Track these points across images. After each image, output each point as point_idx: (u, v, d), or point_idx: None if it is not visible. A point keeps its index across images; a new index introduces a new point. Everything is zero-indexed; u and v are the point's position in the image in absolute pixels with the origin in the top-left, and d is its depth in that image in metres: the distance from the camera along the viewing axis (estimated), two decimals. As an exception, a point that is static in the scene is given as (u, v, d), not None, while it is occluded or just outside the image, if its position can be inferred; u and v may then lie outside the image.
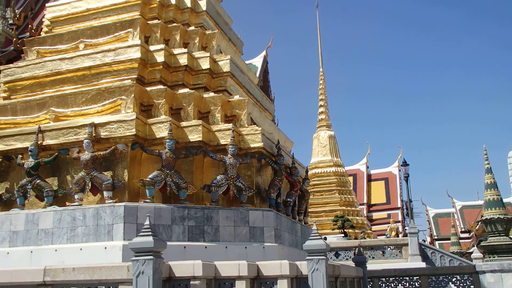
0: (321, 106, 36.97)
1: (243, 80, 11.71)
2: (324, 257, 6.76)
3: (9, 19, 27.00)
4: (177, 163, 8.79)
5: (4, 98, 11.14)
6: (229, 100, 10.22)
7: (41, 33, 13.37)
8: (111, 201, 8.38)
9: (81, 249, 8.03)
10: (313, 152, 36.07)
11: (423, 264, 19.34)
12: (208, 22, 12.37)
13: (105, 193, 8.47)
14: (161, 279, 5.97)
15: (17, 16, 26.20)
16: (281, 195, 10.19)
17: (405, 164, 27.48)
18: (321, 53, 38.85)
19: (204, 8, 12.22)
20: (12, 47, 24.43)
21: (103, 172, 8.66)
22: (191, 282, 6.10)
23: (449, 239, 44.26)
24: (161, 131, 8.90)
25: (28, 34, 24.09)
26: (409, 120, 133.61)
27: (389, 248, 21.34)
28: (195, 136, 9.07)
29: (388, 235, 28.23)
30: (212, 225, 8.60)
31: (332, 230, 28.48)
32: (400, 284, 12.60)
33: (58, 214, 8.47)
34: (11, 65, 11.15)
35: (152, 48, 10.31)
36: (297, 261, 7.07)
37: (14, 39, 24.19)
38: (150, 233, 5.88)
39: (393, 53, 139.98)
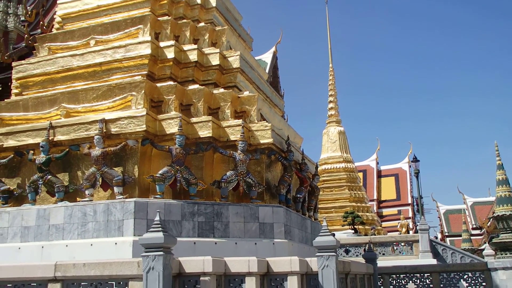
0: (330, 102, 36.79)
1: (252, 76, 11.68)
2: (334, 254, 6.73)
3: (20, 16, 27.18)
4: (187, 159, 8.79)
5: (16, 94, 11.23)
6: (239, 96, 10.20)
7: (53, 29, 13.45)
8: (121, 196, 8.41)
9: (91, 244, 8.09)
10: (322, 148, 35.93)
11: (434, 261, 19.19)
12: (218, 18, 12.35)
13: (116, 189, 8.50)
14: (171, 275, 5.98)
15: (29, 13, 26.34)
16: (291, 191, 10.17)
17: (415, 160, 27.30)
18: (330, 49, 38.65)
19: (213, 4, 12.20)
20: (24, 44, 24.57)
21: (114, 168, 8.69)
22: (201, 278, 6.10)
23: (460, 235, 43.95)
24: (171, 127, 8.91)
25: (39, 30, 24.24)
26: (419, 116, 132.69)
27: (399, 245, 21.23)
28: (205, 132, 9.07)
29: (400, 233, 28.09)
30: (222, 221, 8.60)
31: (342, 226, 28.38)
32: (410, 281, 12.52)
33: (69, 209, 8.53)
34: (23, 61, 11.21)
35: (162, 44, 10.32)
36: (307, 258, 7.05)
37: (26, 35, 24.32)
38: (160, 229, 5.88)
39: (403, 49, 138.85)
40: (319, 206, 17.15)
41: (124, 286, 6.11)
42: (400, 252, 20.89)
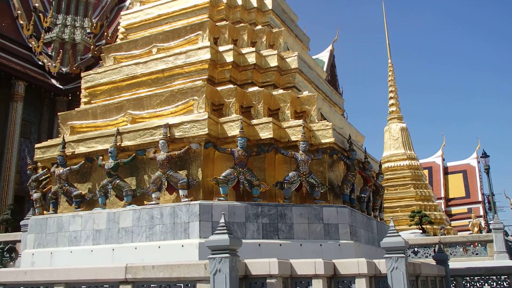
0: (391, 98, 35.74)
1: (311, 76, 11.56)
2: (404, 255, 6.49)
3: (86, 28, 28.63)
4: (249, 161, 8.81)
5: (85, 103, 11.78)
6: (298, 96, 10.12)
7: (117, 40, 14.01)
8: (186, 199, 8.56)
9: (159, 247, 8.28)
10: (385, 145, 34.97)
11: (511, 262, 18.09)
12: (274, 21, 12.35)
13: (181, 192, 8.67)
14: (238, 277, 6.00)
15: (94, 25, 27.64)
16: (355, 191, 9.93)
17: (485, 155, 25.96)
18: (388, 45, 37.53)
19: (270, 7, 12.21)
20: (90, 55, 25.84)
21: (178, 171, 8.87)
22: (267, 281, 6.08)
23: (538, 235, 41.21)
24: (233, 129, 8.97)
25: (104, 41, 25.37)
26: (485, 111, 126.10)
27: (472, 245, 20.19)
28: (266, 133, 9.06)
29: (472, 232, 26.77)
30: (286, 222, 8.55)
31: (409, 226, 27.44)
32: (486, 284, 11.86)
33: (137, 213, 8.79)
34: (90, 71, 11.75)
35: (221, 48, 10.44)
36: (374, 259, 6.84)
37: (92, 46, 25.57)
38: (225, 231, 5.91)
39: (464, 47, 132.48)
40: (384, 205, 16.65)
41: (192, 288, 6.20)
42: (473, 253, 19.86)
